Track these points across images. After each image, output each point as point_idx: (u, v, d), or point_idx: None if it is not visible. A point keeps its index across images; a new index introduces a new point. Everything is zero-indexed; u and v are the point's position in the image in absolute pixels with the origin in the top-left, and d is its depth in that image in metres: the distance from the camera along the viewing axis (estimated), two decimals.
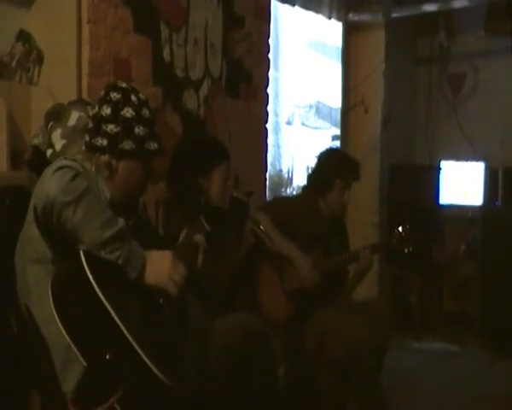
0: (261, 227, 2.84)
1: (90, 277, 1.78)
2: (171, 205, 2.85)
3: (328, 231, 3.30)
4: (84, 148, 2.09)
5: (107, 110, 2.02)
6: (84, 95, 2.98)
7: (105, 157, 2.03)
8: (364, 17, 5.35)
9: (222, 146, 2.94)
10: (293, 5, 4.61)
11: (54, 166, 1.90)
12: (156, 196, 3.38)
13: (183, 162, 2.86)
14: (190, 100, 3.66)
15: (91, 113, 2.15)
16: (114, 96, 2.03)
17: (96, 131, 2.03)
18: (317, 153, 3.58)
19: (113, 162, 2.03)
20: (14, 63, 2.95)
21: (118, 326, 1.76)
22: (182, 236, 2.27)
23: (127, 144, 2.02)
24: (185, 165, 2.85)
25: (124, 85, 2.09)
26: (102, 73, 3.05)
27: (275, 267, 3.12)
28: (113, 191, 2.06)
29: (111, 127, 2.01)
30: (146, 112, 2.07)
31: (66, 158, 2.02)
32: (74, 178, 1.85)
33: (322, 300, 3.17)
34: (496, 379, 4.19)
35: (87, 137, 2.07)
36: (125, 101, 2.03)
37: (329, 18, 5.02)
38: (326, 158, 3.42)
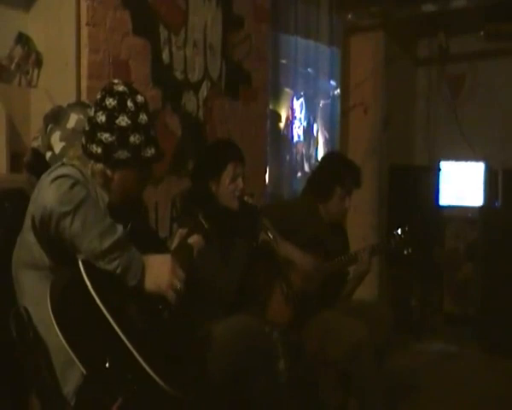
0: (269, 234, 2.86)
1: (89, 286, 1.77)
2: (186, 202, 2.90)
3: (328, 234, 3.29)
4: (81, 151, 2.07)
5: (102, 117, 1.98)
6: (84, 97, 2.98)
7: (100, 166, 2.01)
8: (364, 18, 5.35)
9: (231, 147, 2.94)
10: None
11: (52, 174, 1.88)
12: (157, 197, 3.40)
13: (195, 166, 2.99)
14: (190, 102, 3.66)
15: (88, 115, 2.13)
16: (110, 102, 1.98)
17: (91, 137, 2.00)
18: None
19: (108, 172, 2.01)
20: (13, 66, 2.96)
21: (117, 334, 1.76)
22: (178, 237, 2.26)
23: (122, 154, 1.98)
24: (196, 168, 2.97)
25: (120, 89, 2.02)
26: (102, 76, 3.05)
27: (275, 270, 3.11)
28: (110, 196, 2.05)
29: (106, 136, 1.97)
30: (143, 118, 2.01)
31: (64, 164, 2.01)
32: (72, 187, 1.83)
33: (322, 302, 3.18)
34: (495, 380, 4.19)
35: (83, 140, 2.05)
36: (121, 108, 1.98)
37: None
38: (327, 164, 3.41)
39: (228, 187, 2.82)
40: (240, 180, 2.84)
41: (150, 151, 2.03)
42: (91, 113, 2.03)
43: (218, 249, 2.78)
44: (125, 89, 2.03)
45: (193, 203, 2.78)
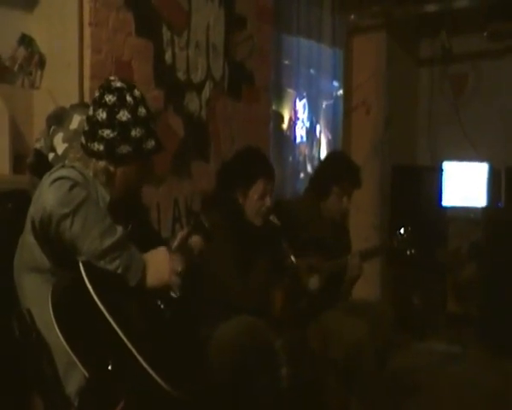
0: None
1: (90, 288, 1.77)
2: (209, 206, 2.88)
3: (330, 234, 3.29)
4: (81, 151, 2.07)
5: (102, 115, 1.98)
6: (86, 98, 2.99)
7: (102, 163, 2.01)
8: (366, 18, 5.35)
9: (262, 161, 2.91)
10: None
11: (51, 176, 1.89)
12: (158, 197, 3.40)
13: (223, 172, 2.97)
14: (192, 102, 3.66)
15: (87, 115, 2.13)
16: (109, 99, 1.99)
17: (92, 135, 2.00)
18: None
19: (111, 168, 2.02)
20: (16, 67, 2.96)
21: (119, 336, 1.76)
22: (178, 238, 2.25)
23: (124, 148, 1.99)
24: (224, 175, 2.94)
25: (118, 85, 2.02)
26: (104, 77, 3.01)
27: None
28: (112, 195, 2.05)
29: (107, 132, 1.98)
30: (142, 111, 2.02)
31: (64, 166, 2.02)
32: (72, 188, 1.84)
33: (324, 301, 3.18)
34: (498, 381, 4.19)
35: (83, 140, 2.04)
36: (121, 103, 1.99)
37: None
38: (327, 163, 3.43)
39: (255, 203, 2.81)
40: (268, 199, 2.83)
41: (151, 143, 2.04)
42: (90, 112, 2.03)
43: (239, 262, 2.76)
44: (123, 84, 2.04)
45: (205, 206, 2.76)
